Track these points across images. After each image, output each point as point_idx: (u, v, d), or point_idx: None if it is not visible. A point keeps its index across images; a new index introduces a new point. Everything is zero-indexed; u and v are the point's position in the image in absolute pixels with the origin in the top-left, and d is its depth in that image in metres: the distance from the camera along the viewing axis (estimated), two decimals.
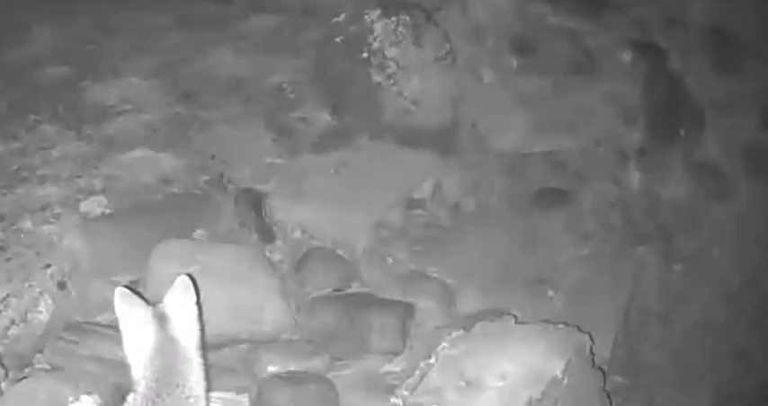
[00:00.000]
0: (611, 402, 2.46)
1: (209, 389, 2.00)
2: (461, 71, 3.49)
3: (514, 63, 3.59)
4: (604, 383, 2.45)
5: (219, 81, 3.71)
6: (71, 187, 2.97)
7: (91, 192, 2.95)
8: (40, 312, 2.51)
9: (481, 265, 2.96)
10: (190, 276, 2.09)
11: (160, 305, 1.97)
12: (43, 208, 2.84)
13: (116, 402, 2.33)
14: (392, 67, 3.37)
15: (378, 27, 3.39)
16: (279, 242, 2.94)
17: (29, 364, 2.46)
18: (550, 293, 2.93)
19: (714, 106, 3.85)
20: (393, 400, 2.19)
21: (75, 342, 2.39)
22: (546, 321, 2.39)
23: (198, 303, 2.03)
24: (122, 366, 2.36)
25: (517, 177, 3.37)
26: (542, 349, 2.18)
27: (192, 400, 1.89)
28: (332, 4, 3.67)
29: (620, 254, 3.25)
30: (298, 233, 2.96)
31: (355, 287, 2.83)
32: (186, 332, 1.95)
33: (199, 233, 2.90)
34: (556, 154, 3.47)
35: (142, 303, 1.96)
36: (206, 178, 3.08)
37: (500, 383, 2.08)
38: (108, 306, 2.63)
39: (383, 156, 3.29)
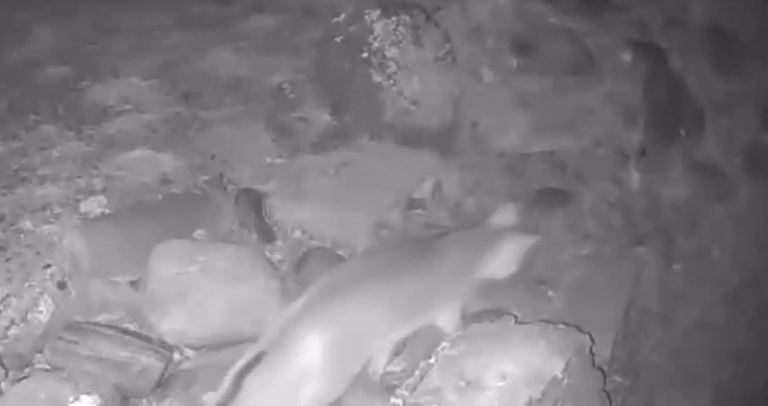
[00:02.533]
0: (611, 402, 2.46)
1: None
2: (461, 71, 3.49)
3: (514, 63, 3.59)
4: (604, 383, 2.45)
5: (219, 81, 3.71)
6: (71, 187, 2.97)
7: (91, 192, 2.95)
8: (40, 312, 2.51)
9: None
10: None
11: None
12: (43, 208, 2.85)
13: (116, 402, 2.33)
14: (392, 67, 3.37)
15: (378, 27, 3.39)
16: (279, 242, 2.94)
17: (29, 364, 2.47)
18: (550, 293, 2.93)
19: (714, 106, 3.85)
20: (393, 400, 2.19)
21: (76, 342, 2.39)
22: (546, 321, 2.39)
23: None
24: (122, 366, 2.37)
25: (517, 177, 3.37)
26: (542, 349, 2.18)
27: None
28: (332, 4, 3.67)
29: (620, 254, 3.25)
30: (298, 233, 2.96)
31: None
32: None
33: (199, 233, 2.91)
34: (556, 154, 3.47)
35: None
36: (206, 178, 3.08)
37: (500, 383, 2.08)
38: (108, 306, 2.66)
39: (383, 156, 3.29)
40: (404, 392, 2.18)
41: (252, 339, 2.56)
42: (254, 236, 2.93)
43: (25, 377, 2.35)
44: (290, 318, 2.14)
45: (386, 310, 2.26)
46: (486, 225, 2.63)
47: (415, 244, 2.59)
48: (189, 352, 2.57)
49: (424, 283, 2.35)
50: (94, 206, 2.88)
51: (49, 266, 2.60)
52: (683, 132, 3.77)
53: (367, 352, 2.28)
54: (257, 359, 2.05)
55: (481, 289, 2.59)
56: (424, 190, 3.21)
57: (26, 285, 2.53)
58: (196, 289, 2.58)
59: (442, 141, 3.40)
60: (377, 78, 3.37)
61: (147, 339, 2.48)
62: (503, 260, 2.55)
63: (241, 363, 2.05)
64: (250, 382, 2.01)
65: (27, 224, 2.76)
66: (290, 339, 2.09)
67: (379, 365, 2.42)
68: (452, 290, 2.45)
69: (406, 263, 2.37)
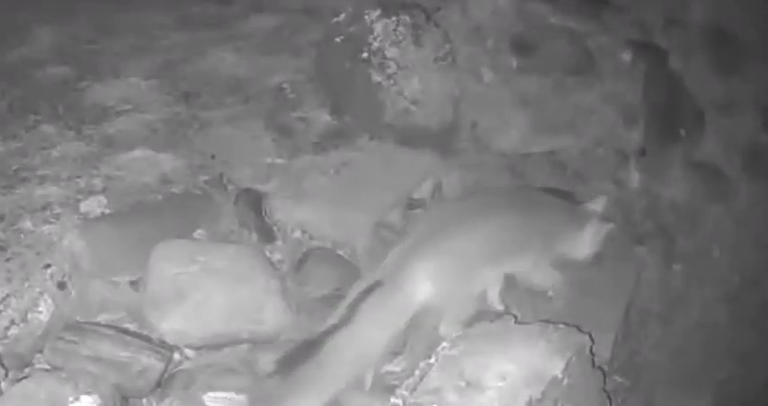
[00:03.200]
0: (611, 402, 2.46)
1: None
2: (461, 71, 3.49)
3: (514, 63, 3.59)
4: (604, 383, 2.45)
5: (219, 81, 3.71)
6: (71, 187, 2.97)
7: (91, 192, 2.95)
8: (40, 312, 2.51)
9: None
10: None
11: None
12: (43, 208, 2.84)
13: (116, 402, 2.33)
14: (392, 67, 3.37)
15: (378, 27, 3.39)
16: (279, 242, 2.94)
17: (29, 364, 2.47)
18: (550, 293, 2.93)
19: (714, 106, 3.85)
20: (393, 400, 2.19)
21: (76, 342, 2.39)
22: (546, 321, 2.39)
23: None
24: (122, 366, 2.37)
25: (517, 177, 3.37)
26: (542, 349, 2.19)
27: None
28: (332, 4, 3.67)
29: (620, 254, 3.24)
30: (298, 233, 2.96)
31: None
32: None
33: (199, 233, 2.91)
34: (556, 154, 3.47)
35: None
36: (206, 178, 3.08)
37: (500, 383, 2.08)
38: (108, 306, 2.66)
39: (383, 156, 3.29)
40: (404, 392, 2.18)
41: (251, 340, 2.57)
42: (254, 236, 2.93)
43: (25, 377, 2.35)
44: (404, 250, 2.34)
45: (487, 246, 2.44)
46: (577, 204, 2.79)
47: (517, 192, 2.91)
48: (189, 352, 2.57)
49: (518, 230, 2.52)
50: (94, 206, 2.88)
51: (49, 266, 2.60)
52: (683, 132, 3.77)
53: (474, 284, 2.46)
54: (373, 287, 2.26)
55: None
56: (424, 190, 3.21)
57: (26, 285, 2.53)
58: (196, 289, 2.58)
59: (442, 141, 3.40)
60: (377, 78, 3.37)
61: (147, 339, 2.48)
62: (585, 241, 2.72)
63: (358, 289, 2.27)
64: (365, 307, 2.23)
65: (27, 224, 2.76)
66: (402, 269, 2.29)
67: (494, 297, 2.61)
68: (534, 247, 2.57)
69: (508, 207, 2.56)
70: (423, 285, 2.29)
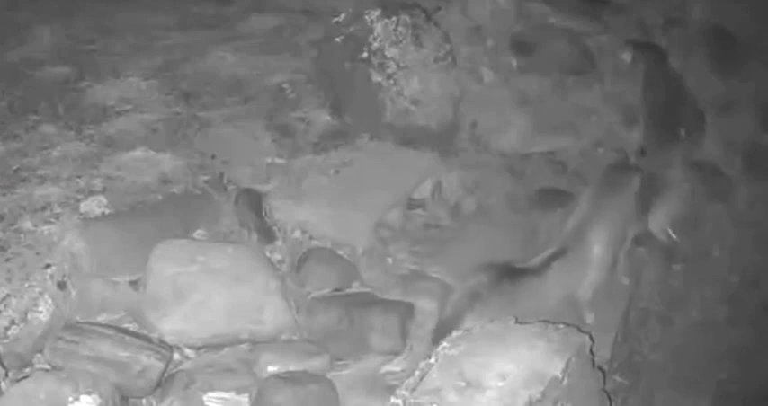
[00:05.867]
0: (611, 402, 2.46)
1: None
2: (461, 71, 3.49)
3: (514, 63, 3.59)
4: (604, 383, 2.45)
5: (219, 81, 3.71)
6: (71, 187, 2.97)
7: (91, 192, 2.95)
8: (40, 312, 2.51)
9: None
10: None
11: None
12: (43, 208, 2.84)
13: (116, 402, 2.33)
14: (392, 67, 3.36)
15: (378, 27, 3.39)
16: (279, 242, 2.94)
17: (29, 364, 2.47)
18: None
19: (714, 106, 3.86)
20: (393, 400, 2.19)
21: (76, 342, 2.39)
22: (546, 321, 2.39)
23: None
24: (122, 366, 2.37)
25: (517, 177, 3.37)
26: (542, 349, 2.18)
27: None
28: (332, 4, 3.67)
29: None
30: (298, 233, 2.96)
31: (355, 287, 2.83)
32: None
33: (199, 233, 2.91)
34: (556, 154, 3.48)
35: None
36: (206, 178, 3.08)
37: (500, 383, 2.08)
38: (108, 306, 2.66)
39: (383, 156, 3.29)
40: (404, 392, 2.17)
41: (251, 340, 2.57)
42: (254, 236, 2.92)
43: (25, 377, 2.35)
44: (580, 220, 2.76)
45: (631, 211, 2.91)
46: None
47: None
48: (189, 352, 2.57)
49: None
50: (94, 206, 2.88)
51: (49, 266, 2.60)
52: (683, 132, 3.77)
53: (621, 248, 2.91)
54: (559, 254, 2.65)
55: None
56: (424, 190, 3.21)
57: (26, 285, 2.53)
58: (196, 289, 2.58)
59: (442, 141, 3.40)
60: (377, 78, 3.37)
61: (147, 339, 2.48)
62: None
63: (549, 252, 2.66)
64: (555, 267, 2.63)
65: (27, 224, 2.76)
66: (581, 238, 2.72)
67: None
68: None
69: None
70: (594, 248, 2.74)
